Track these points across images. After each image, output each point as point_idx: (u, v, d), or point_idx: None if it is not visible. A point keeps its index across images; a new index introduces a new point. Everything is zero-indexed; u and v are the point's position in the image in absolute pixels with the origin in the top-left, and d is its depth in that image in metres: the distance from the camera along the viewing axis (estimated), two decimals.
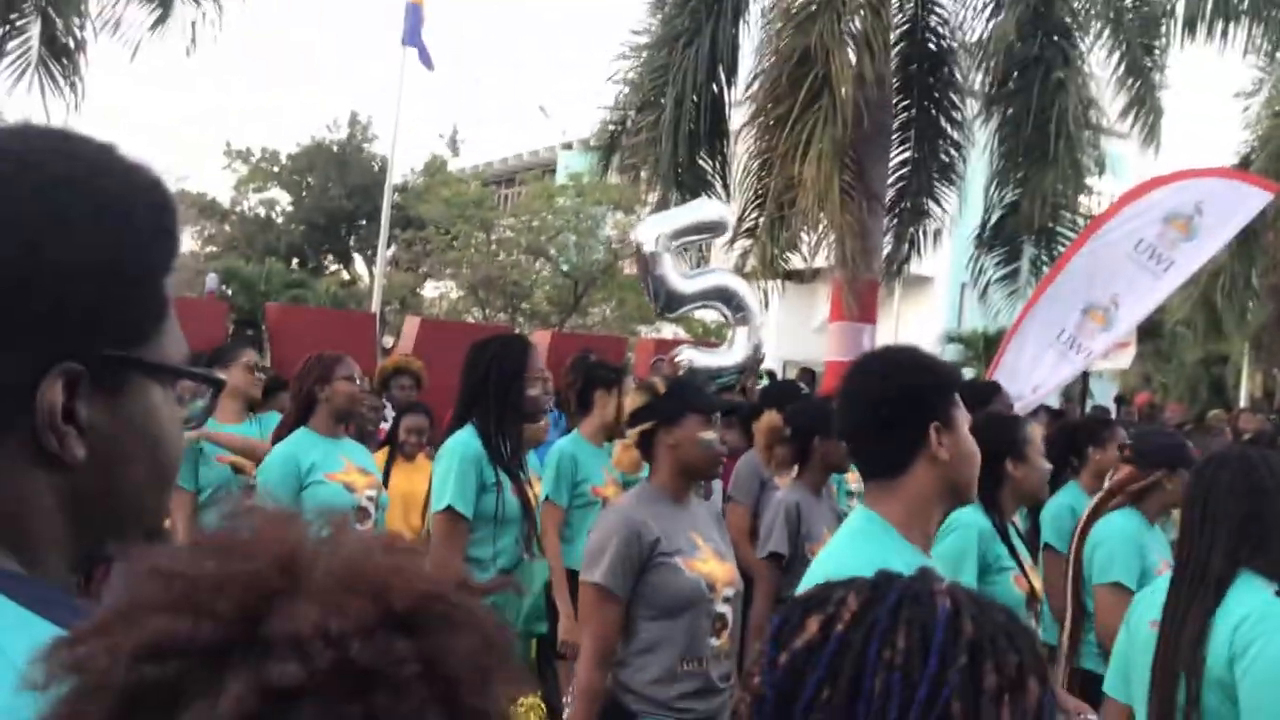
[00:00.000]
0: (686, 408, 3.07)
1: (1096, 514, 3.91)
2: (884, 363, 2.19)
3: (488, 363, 3.93)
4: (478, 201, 25.86)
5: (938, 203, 11.59)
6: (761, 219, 10.99)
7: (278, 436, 4.32)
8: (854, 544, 2.06)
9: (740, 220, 11.04)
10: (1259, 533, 2.36)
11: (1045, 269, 10.29)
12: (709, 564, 3.00)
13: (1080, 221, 10.50)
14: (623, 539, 2.91)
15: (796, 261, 11.68)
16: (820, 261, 11.38)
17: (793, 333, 22.08)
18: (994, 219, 11.13)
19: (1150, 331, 17.27)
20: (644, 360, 10.49)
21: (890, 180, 11.23)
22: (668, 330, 19.98)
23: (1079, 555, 3.90)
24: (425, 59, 17.43)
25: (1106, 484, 4.17)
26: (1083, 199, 11.46)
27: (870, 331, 10.65)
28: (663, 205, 10.70)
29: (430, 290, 30.05)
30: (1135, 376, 19.90)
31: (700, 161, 11.35)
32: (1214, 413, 12.59)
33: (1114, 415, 11.89)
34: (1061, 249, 10.27)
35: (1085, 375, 11.39)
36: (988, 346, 17.99)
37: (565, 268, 24.63)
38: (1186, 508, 2.51)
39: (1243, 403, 19.47)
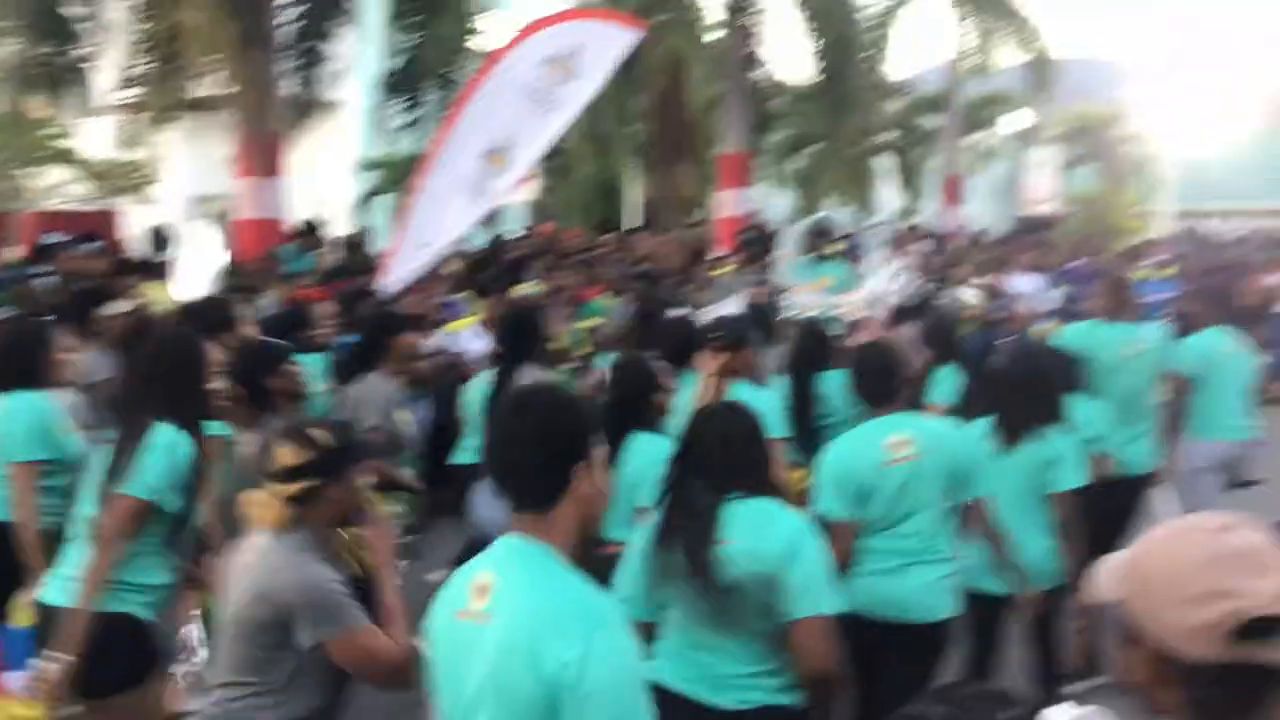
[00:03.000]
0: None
1: None
2: (541, 404, 2.33)
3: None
4: None
5: (336, 45, 11.35)
6: (151, 67, 10.16)
7: None
8: (562, 580, 2.23)
9: (127, 69, 10.12)
10: None
11: (448, 113, 10.52)
12: None
13: (478, 65, 10.79)
14: None
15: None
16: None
17: (204, 166, 20.78)
18: (395, 63, 11.15)
19: (550, 153, 18.40)
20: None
21: (285, 22, 10.79)
22: None
23: None
24: None
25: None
26: (479, 40, 11.74)
27: (279, 185, 10.38)
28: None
29: None
30: (540, 193, 21.20)
31: (60, 10, 10.14)
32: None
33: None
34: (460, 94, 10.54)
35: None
36: (406, 171, 18.15)
37: None
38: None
39: (633, 206, 21.59)
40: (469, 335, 8.72)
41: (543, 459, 2.26)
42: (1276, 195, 32.93)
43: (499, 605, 2.19)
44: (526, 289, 9.73)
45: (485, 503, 4.96)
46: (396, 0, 10.88)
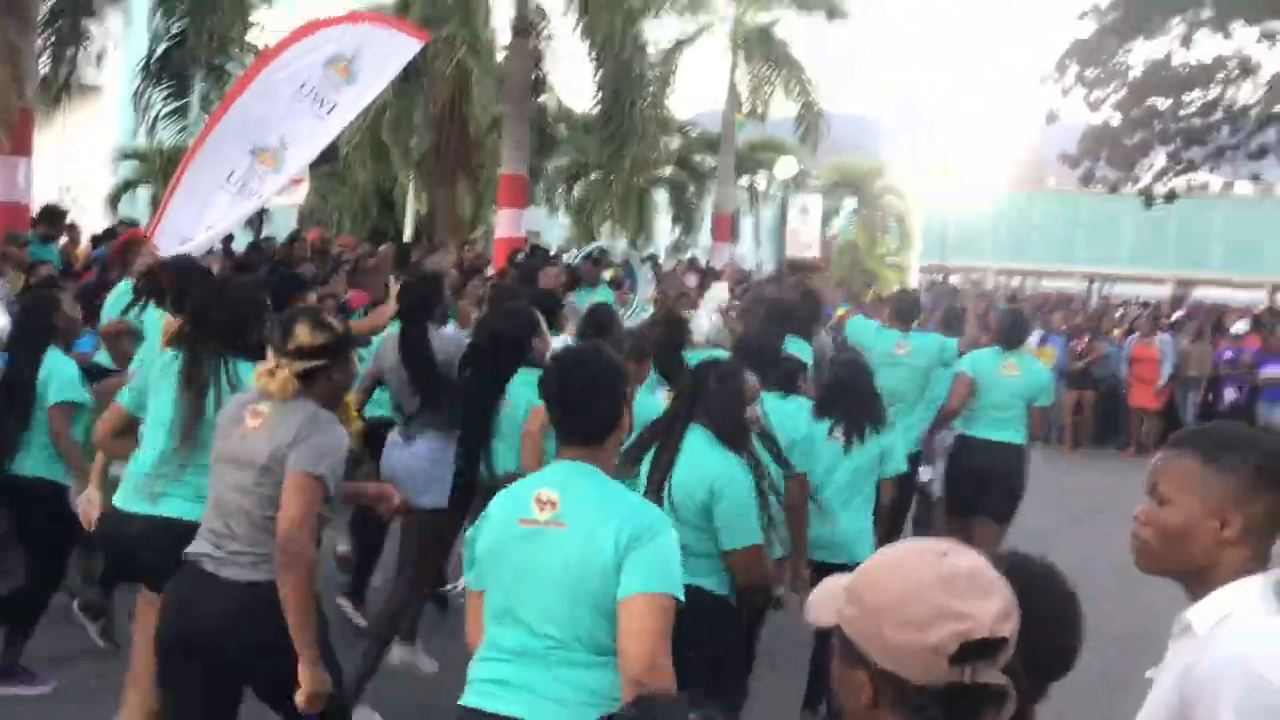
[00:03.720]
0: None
1: None
2: (599, 361, 2.97)
3: None
4: None
5: (100, 22, 10.80)
6: None
7: None
8: (620, 491, 2.90)
9: None
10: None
11: (216, 105, 10.17)
12: None
13: (250, 60, 10.48)
14: None
15: None
16: None
17: None
18: (161, 49, 10.67)
19: (324, 157, 17.99)
20: None
21: None
22: None
23: None
24: None
25: None
26: (255, 35, 11.40)
27: (26, 165, 9.75)
28: None
29: None
30: (312, 195, 20.66)
31: None
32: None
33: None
34: (231, 86, 10.20)
35: (260, 211, 11.61)
36: (167, 164, 17.38)
37: None
38: None
39: (409, 219, 21.32)
40: None
41: (603, 404, 2.86)
42: (1013, 256, 35.65)
43: (570, 512, 2.77)
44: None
45: (396, 450, 5.40)
46: None
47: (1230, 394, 14.11)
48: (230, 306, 4.13)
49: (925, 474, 7.57)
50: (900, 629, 1.41)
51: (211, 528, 3.34)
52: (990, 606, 1.42)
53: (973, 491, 6.85)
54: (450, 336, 6.26)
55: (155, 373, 4.16)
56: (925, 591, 1.42)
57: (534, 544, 2.76)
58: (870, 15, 26.83)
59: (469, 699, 2.88)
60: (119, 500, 4.04)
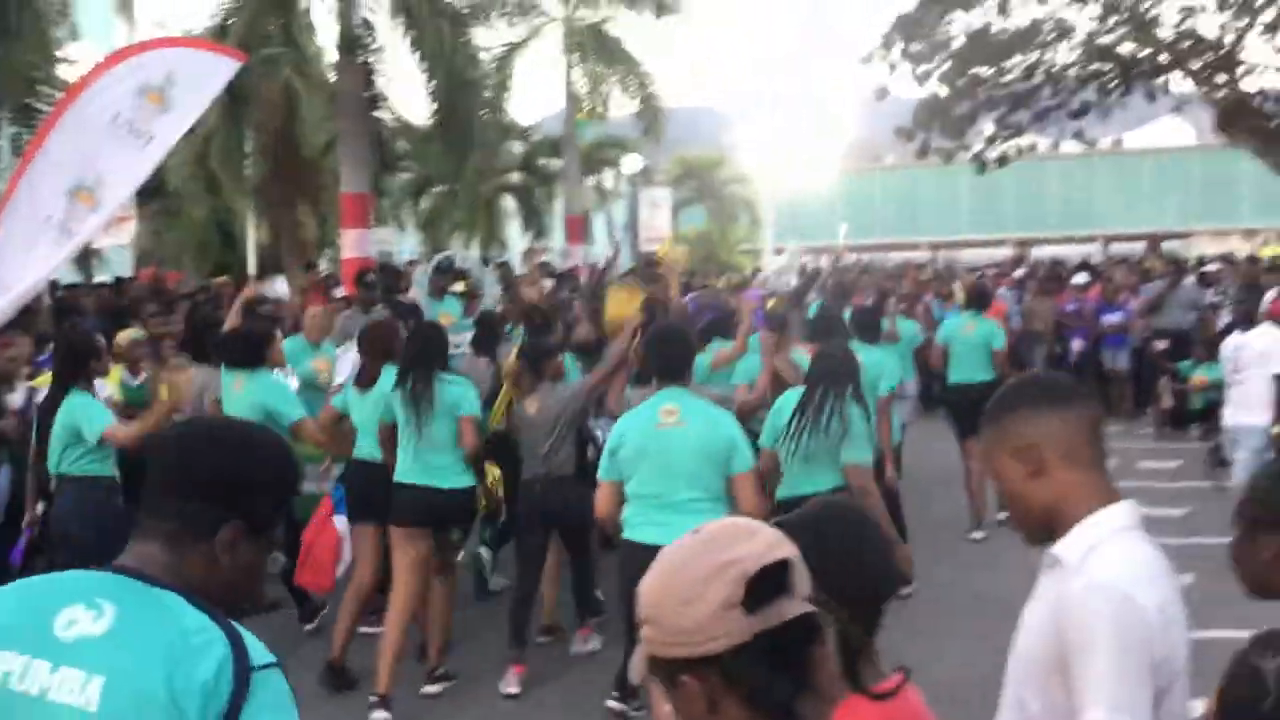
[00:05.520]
0: None
1: None
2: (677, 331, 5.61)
3: None
4: None
5: None
6: None
7: None
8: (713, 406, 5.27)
9: None
10: None
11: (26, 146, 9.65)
12: None
13: (59, 97, 9.97)
14: None
15: None
16: None
17: None
18: None
19: (155, 192, 17.30)
20: None
21: None
22: None
23: None
24: None
25: None
26: (67, 71, 10.85)
27: None
28: None
29: None
30: (147, 236, 19.88)
31: None
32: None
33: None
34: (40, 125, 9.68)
35: (87, 252, 11.08)
36: None
37: None
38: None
39: (251, 251, 20.68)
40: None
41: (689, 352, 5.25)
42: (860, 233, 36.48)
43: (687, 415, 4.91)
44: (127, 335, 9.06)
45: None
46: None
47: (1077, 344, 14.62)
48: None
49: None
50: (686, 607, 1.38)
51: None
52: (755, 544, 1.40)
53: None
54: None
55: None
56: (690, 564, 1.41)
57: (668, 437, 4.86)
58: (701, 8, 27.11)
59: (631, 535, 4.91)
60: None
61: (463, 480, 6.00)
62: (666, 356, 5.07)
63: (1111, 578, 1.93)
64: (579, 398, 6.33)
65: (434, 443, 5.92)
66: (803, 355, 6.75)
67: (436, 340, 6.24)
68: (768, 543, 1.42)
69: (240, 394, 6.60)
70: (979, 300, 10.04)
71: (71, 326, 7.78)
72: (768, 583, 1.38)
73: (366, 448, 6.40)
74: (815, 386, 5.82)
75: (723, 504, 4.76)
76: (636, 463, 4.89)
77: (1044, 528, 2.09)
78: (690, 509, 4.61)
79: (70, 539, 5.69)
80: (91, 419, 5.80)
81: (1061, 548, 2.04)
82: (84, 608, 1.66)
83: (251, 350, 6.67)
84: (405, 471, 6.00)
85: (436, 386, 5.92)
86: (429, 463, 5.94)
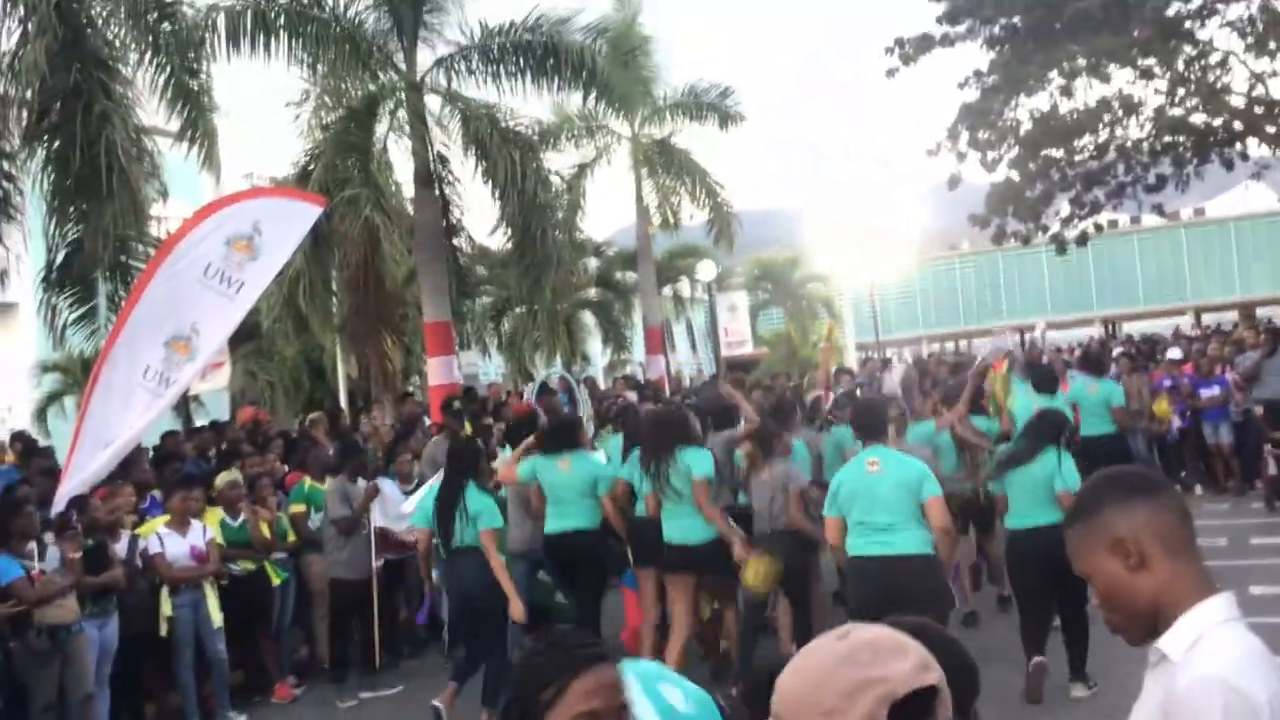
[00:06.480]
0: None
1: None
2: (875, 403, 8.01)
3: None
4: None
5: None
6: None
7: None
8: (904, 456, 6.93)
9: None
10: None
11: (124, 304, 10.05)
12: None
13: (152, 253, 10.40)
14: None
15: None
16: None
17: None
18: (60, 257, 10.55)
19: (248, 335, 17.85)
20: None
21: None
22: None
23: None
24: None
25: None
26: (157, 227, 11.32)
27: None
28: None
29: None
30: (241, 375, 20.40)
31: None
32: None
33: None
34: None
35: (185, 398, 11.42)
36: (84, 371, 17.12)
37: None
38: None
39: (341, 384, 21.13)
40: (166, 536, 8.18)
41: (884, 420, 6.95)
42: (941, 322, 36.20)
43: (886, 465, 6.44)
44: (224, 478, 9.29)
45: None
46: (55, 191, 10.31)
47: (1176, 421, 14.20)
48: None
49: None
50: (824, 716, 1.36)
51: None
52: (904, 664, 1.39)
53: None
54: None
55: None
56: (834, 675, 1.38)
57: (874, 480, 6.36)
58: (766, 116, 27.51)
59: (856, 552, 6.43)
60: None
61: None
62: (869, 424, 6.76)
63: (1220, 671, 1.88)
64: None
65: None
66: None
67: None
68: (915, 665, 1.40)
69: (568, 471, 7.94)
70: (1096, 365, 11.60)
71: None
72: (913, 707, 1.36)
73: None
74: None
75: (919, 524, 6.29)
76: (852, 501, 6.47)
77: (1149, 623, 2.03)
78: (894, 529, 6.28)
79: None
80: None
81: (1166, 643, 1.99)
82: None
83: (570, 435, 8.13)
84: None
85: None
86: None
